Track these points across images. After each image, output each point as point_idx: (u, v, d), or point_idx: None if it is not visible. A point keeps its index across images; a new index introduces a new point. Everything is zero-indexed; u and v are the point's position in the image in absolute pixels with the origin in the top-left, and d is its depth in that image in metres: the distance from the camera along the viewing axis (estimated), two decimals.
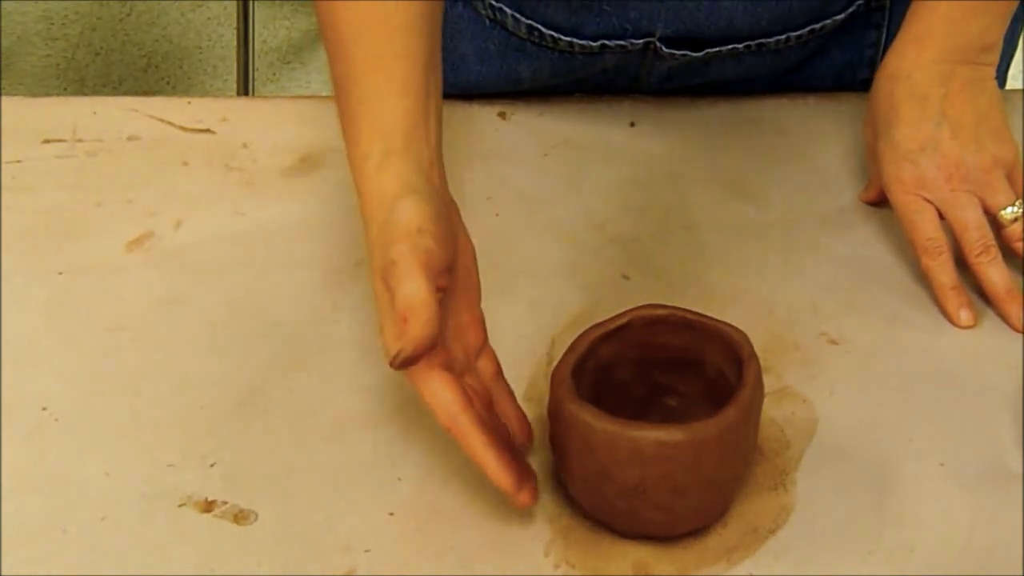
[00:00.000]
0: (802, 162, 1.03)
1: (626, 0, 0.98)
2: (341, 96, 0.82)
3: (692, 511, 0.75)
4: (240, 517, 0.78)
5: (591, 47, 1.02)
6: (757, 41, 1.02)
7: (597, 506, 0.76)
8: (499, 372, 0.80)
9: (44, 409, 0.84)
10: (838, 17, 1.03)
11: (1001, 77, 1.10)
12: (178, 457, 0.81)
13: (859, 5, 1.03)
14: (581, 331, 0.79)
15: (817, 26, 1.03)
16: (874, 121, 0.95)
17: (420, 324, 0.72)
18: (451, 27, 1.04)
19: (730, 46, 1.02)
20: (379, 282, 0.75)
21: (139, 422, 0.83)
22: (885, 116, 0.94)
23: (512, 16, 1.01)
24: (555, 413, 0.75)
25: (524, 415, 0.80)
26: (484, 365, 0.79)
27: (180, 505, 0.78)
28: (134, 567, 0.75)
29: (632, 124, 1.06)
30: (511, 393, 0.80)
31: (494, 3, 1.01)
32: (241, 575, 0.75)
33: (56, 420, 0.83)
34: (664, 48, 1.02)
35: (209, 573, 0.75)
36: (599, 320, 0.79)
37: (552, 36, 1.01)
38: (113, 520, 0.78)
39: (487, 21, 1.02)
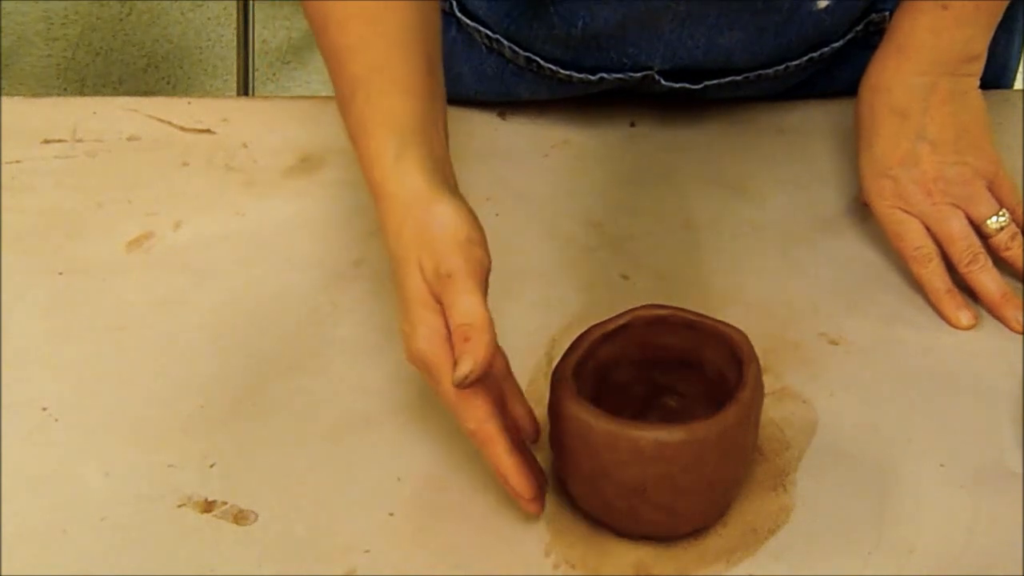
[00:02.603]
0: (802, 162, 1.03)
1: (624, 37, 0.98)
2: (345, 105, 0.81)
3: (692, 511, 0.75)
4: (240, 517, 0.78)
5: (589, 79, 1.02)
6: (756, 73, 1.02)
7: (597, 506, 0.76)
8: (508, 369, 0.80)
9: (44, 409, 0.84)
10: (836, 44, 1.03)
11: (1009, 76, 1.10)
12: (178, 457, 0.81)
13: (857, 31, 1.03)
14: (581, 331, 0.79)
15: (816, 55, 1.03)
16: (857, 132, 0.95)
17: (484, 345, 0.72)
18: (446, 49, 1.03)
19: (729, 78, 1.02)
20: (413, 281, 0.75)
21: (139, 422, 0.83)
22: (867, 129, 0.94)
23: (510, 48, 1.01)
24: (555, 413, 0.75)
25: (532, 411, 0.80)
26: (495, 362, 0.79)
27: (180, 505, 0.78)
28: (134, 567, 0.75)
29: (632, 124, 1.06)
30: (520, 390, 0.80)
31: (491, 34, 1.01)
32: (241, 575, 0.75)
33: (56, 420, 0.83)
34: (663, 81, 1.02)
35: (209, 573, 0.75)
36: (599, 320, 0.79)
37: (551, 68, 1.01)
38: (113, 520, 0.78)
39: (483, 48, 1.02)
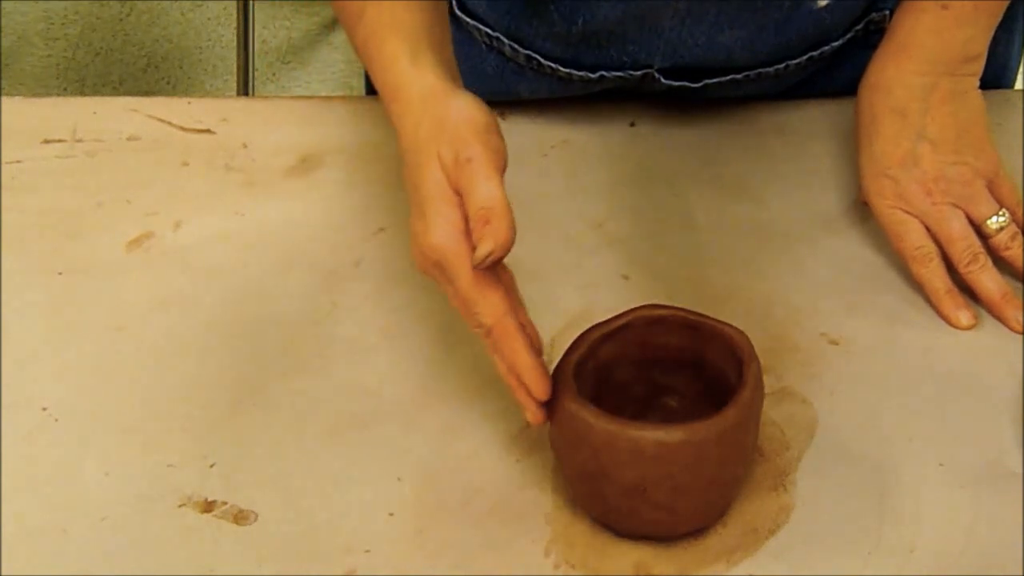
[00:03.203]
0: (801, 162, 1.03)
1: (624, 35, 0.98)
2: (353, 23, 0.83)
3: (692, 511, 0.75)
4: (240, 517, 0.78)
5: (589, 77, 1.02)
6: (756, 71, 1.02)
7: (597, 506, 0.76)
8: (515, 284, 0.80)
9: (44, 409, 0.84)
10: (836, 43, 1.03)
11: (1010, 76, 1.10)
12: (178, 457, 0.81)
13: (858, 30, 1.03)
14: (581, 331, 0.79)
15: (816, 53, 1.03)
16: (857, 132, 0.95)
17: (506, 226, 0.72)
18: None
19: (729, 77, 1.02)
20: (431, 175, 0.75)
21: (139, 422, 0.83)
22: (867, 129, 0.94)
23: (510, 46, 1.01)
24: (555, 413, 0.75)
25: (535, 328, 0.79)
26: (500, 272, 0.79)
27: (180, 505, 0.78)
28: (134, 567, 0.75)
29: (632, 124, 1.06)
30: (525, 308, 0.79)
31: (491, 33, 1.01)
32: (241, 575, 0.75)
33: (56, 420, 0.83)
34: (663, 79, 1.02)
35: (209, 573, 0.75)
36: (599, 320, 0.79)
37: (551, 66, 1.02)
38: (113, 520, 0.78)
39: (483, 46, 1.02)
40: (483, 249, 0.72)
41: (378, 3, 0.82)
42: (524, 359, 0.74)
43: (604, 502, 0.75)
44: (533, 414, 0.75)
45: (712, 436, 0.73)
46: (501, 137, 0.76)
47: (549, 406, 0.76)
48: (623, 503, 0.74)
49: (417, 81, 0.78)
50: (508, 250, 0.73)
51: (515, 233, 0.73)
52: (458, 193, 0.74)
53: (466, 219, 0.74)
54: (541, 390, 0.74)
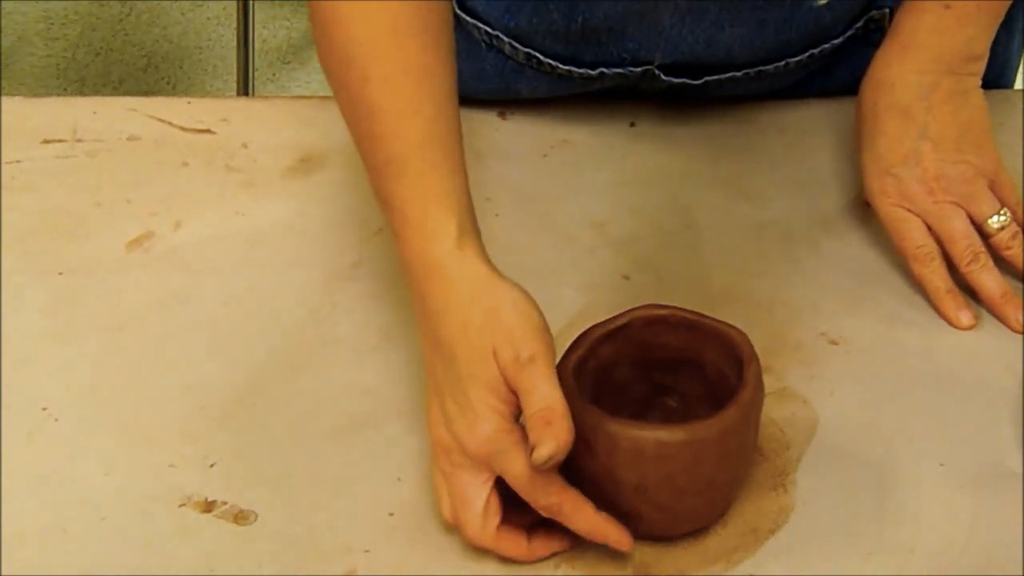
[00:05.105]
0: (802, 162, 1.03)
1: (624, 31, 0.98)
2: (393, 177, 0.79)
3: (692, 511, 0.75)
4: (240, 517, 0.78)
5: (589, 74, 1.02)
6: (756, 69, 1.02)
7: (597, 506, 0.76)
8: None
9: (44, 409, 0.84)
10: (836, 41, 1.03)
11: (1010, 76, 1.10)
12: (178, 457, 0.81)
13: (857, 28, 1.03)
14: (581, 331, 0.79)
15: (816, 51, 1.03)
16: (859, 130, 0.95)
17: (567, 428, 0.72)
18: None
19: (728, 74, 1.02)
20: (487, 372, 0.74)
21: (139, 422, 0.83)
22: (869, 127, 0.94)
23: (509, 44, 1.01)
24: None
25: None
26: None
27: (180, 505, 0.78)
28: (134, 567, 0.75)
29: (632, 124, 1.06)
30: None
31: (490, 31, 1.01)
32: (241, 575, 0.75)
33: (56, 420, 0.83)
34: (663, 76, 1.02)
35: (209, 573, 0.75)
36: (599, 320, 0.79)
37: (550, 64, 1.01)
38: (113, 520, 0.78)
39: (483, 45, 1.02)
40: (545, 451, 0.71)
41: (422, 165, 0.78)
42: (598, 523, 0.74)
43: (604, 502, 0.75)
44: (624, 547, 0.75)
45: (712, 436, 0.73)
46: (551, 333, 0.76)
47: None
48: (623, 503, 0.74)
49: (464, 266, 0.76)
50: (567, 452, 0.72)
51: (574, 434, 0.72)
52: (512, 391, 0.74)
53: (514, 413, 0.74)
54: (624, 540, 0.74)
